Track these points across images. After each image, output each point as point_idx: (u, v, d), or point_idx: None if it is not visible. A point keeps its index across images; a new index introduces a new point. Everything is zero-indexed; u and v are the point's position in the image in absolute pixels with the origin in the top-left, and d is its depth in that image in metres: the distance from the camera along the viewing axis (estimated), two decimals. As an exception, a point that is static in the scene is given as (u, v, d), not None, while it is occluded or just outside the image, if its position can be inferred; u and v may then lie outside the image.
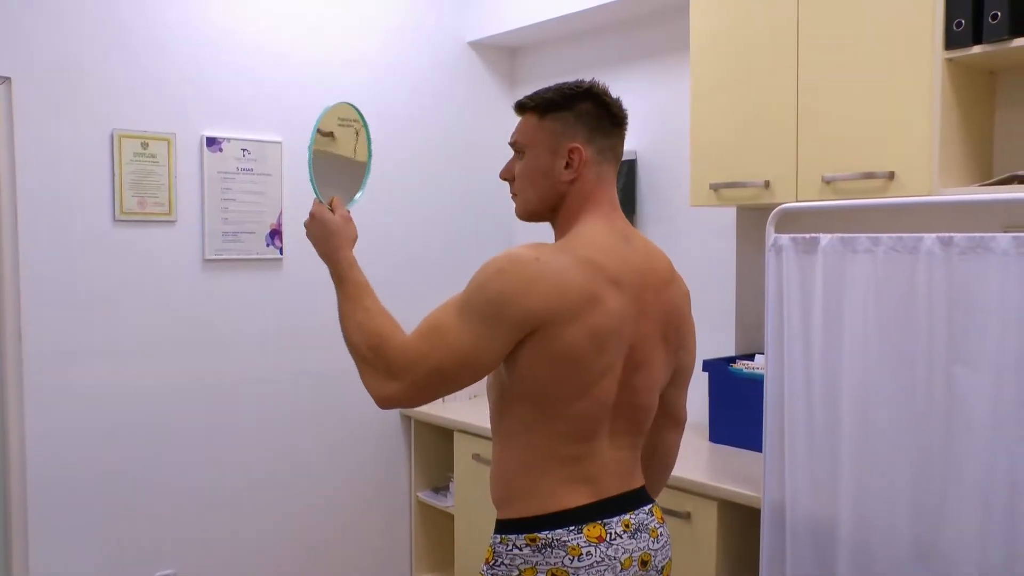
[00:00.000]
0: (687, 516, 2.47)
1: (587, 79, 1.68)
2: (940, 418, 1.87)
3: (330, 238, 1.70)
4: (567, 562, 1.55)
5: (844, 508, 2.03)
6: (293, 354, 3.38)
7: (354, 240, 1.73)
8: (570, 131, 1.64)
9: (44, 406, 2.86)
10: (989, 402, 1.79)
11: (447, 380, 1.52)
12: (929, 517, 1.90)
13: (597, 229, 1.62)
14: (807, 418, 2.10)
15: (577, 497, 1.59)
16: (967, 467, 1.83)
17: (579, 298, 1.51)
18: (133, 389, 3.02)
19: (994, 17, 2.05)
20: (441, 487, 3.72)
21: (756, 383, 2.60)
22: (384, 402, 1.55)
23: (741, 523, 2.46)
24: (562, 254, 1.55)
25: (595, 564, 1.56)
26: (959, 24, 2.12)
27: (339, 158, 1.82)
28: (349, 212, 1.76)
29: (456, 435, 3.38)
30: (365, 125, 1.85)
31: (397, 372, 1.51)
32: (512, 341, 1.52)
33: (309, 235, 1.73)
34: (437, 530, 3.76)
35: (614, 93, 1.69)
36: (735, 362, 2.87)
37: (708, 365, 2.84)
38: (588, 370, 1.55)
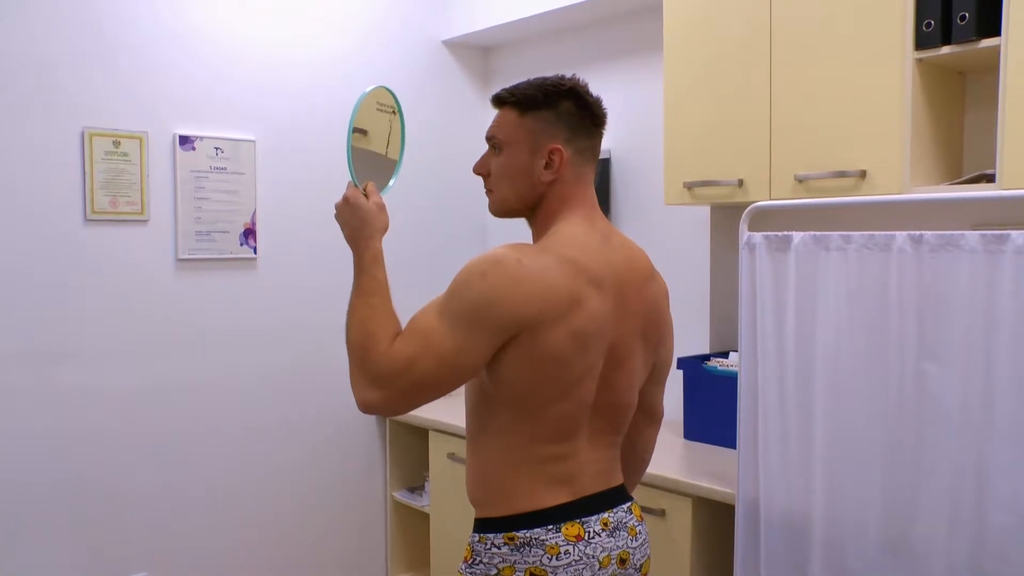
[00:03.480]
0: (662, 513, 2.48)
1: (568, 76, 1.66)
2: (911, 414, 1.89)
3: (362, 226, 1.66)
4: (545, 561, 1.55)
5: (817, 504, 2.05)
6: (267, 355, 3.36)
7: (385, 230, 1.70)
8: (551, 131, 1.62)
9: (12, 409, 2.82)
10: (958, 398, 1.82)
11: (430, 388, 1.50)
12: (900, 512, 1.92)
13: (577, 229, 1.61)
14: (780, 415, 2.11)
15: (555, 496, 1.59)
16: (937, 462, 1.85)
17: (562, 299, 1.51)
18: (105, 391, 2.99)
19: (962, 18, 2.08)
20: (416, 487, 3.71)
21: (730, 380, 2.61)
22: (366, 408, 1.54)
23: (715, 520, 2.47)
24: (544, 255, 1.54)
25: (573, 563, 1.56)
26: (928, 25, 2.14)
27: (373, 143, 1.79)
28: (383, 200, 1.72)
29: (431, 434, 3.37)
30: (400, 111, 1.83)
31: (380, 381, 1.50)
32: (496, 345, 1.51)
33: (339, 218, 1.69)
34: (412, 530, 3.75)
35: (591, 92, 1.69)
36: (709, 360, 2.88)
37: (682, 363, 2.85)
38: (570, 371, 1.55)
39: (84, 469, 2.96)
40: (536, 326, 1.49)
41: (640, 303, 1.66)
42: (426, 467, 3.53)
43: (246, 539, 3.35)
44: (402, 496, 3.67)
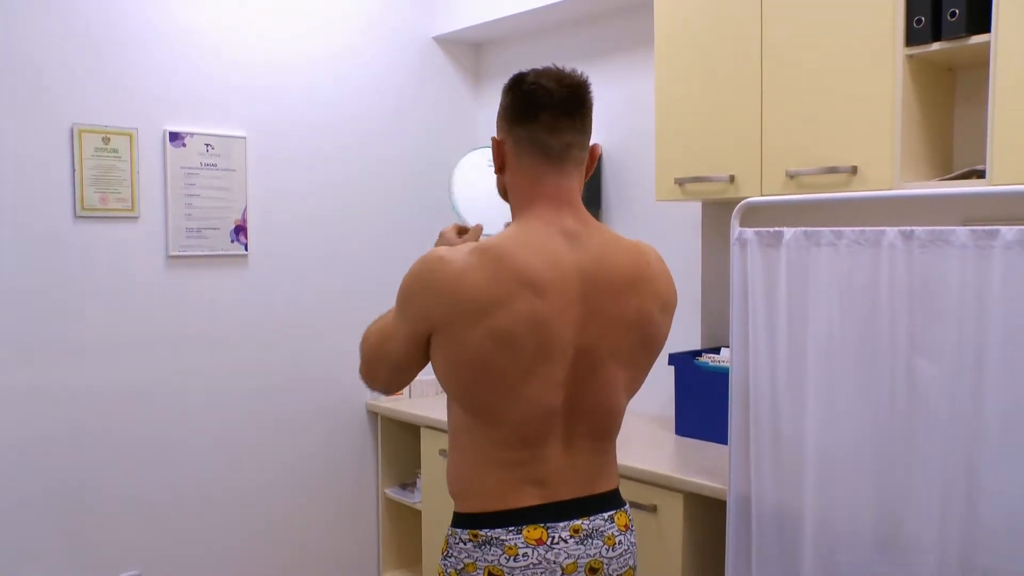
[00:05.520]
0: (653, 509, 2.48)
1: (557, 65, 1.64)
2: (902, 409, 1.89)
3: (439, 245, 1.88)
4: (503, 561, 1.56)
5: (808, 499, 2.05)
6: (259, 352, 3.36)
7: None
8: (500, 123, 1.68)
9: (1, 407, 2.81)
10: (949, 393, 1.82)
11: (377, 359, 1.69)
12: (891, 507, 1.92)
13: (528, 227, 1.59)
14: (772, 411, 2.12)
15: (521, 499, 1.59)
16: (928, 458, 1.86)
17: (479, 299, 1.50)
18: (95, 388, 2.98)
19: (952, 15, 2.08)
20: (408, 483, 3.71)
21: (722, 376, 2.61)
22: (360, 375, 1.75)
23: (707, 515, 2.48)
24: (472, 255, 1.53)
25: (531, 566, 1.56)
26: (919, 21, 2.15)
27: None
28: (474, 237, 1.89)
29: (423, 431, 3.37)
30: None
31: (360, 347, 1.73)
32: (413, 336, 1.58)
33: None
34: (405, 526, 3.75)
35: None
36: (701, 355, 2.89)
37: (674, 358, 2.85)
38: (503, 374, 1.53)
39: (75, 467, 2.95)
40: (451, 325, 1.52)
41: (618, 307, 1.59)
42: (418, 464, 3.53)
43: (239, 535, 3.34)
44: (394, 493, 3.67)
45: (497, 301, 1.50)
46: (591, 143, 1.68)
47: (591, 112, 1.65)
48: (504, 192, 1.71)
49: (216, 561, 3.29)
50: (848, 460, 1.98)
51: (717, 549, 2.45)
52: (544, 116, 1.60)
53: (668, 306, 1.70)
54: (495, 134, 1.69)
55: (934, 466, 1.85)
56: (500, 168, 1.69)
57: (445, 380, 1.59)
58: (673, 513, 2.45)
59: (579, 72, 1.64)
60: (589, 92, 1.64)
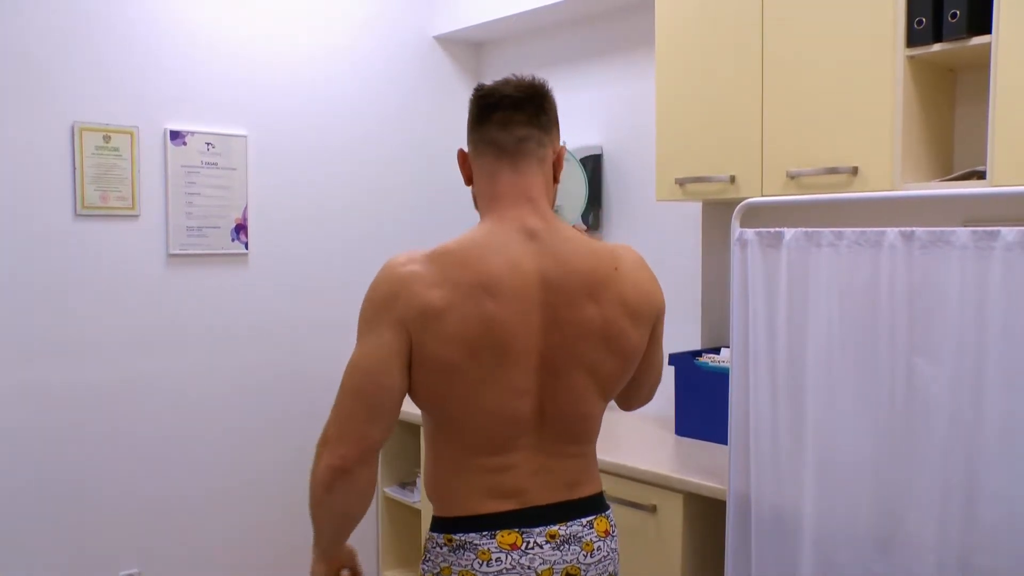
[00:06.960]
0: (653, 509, 2.48)
1: (514, 74, 1.68)
2: (902, 410, 1.89)
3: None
4: (476, 566, 1.55)
5: (808, 499, 2.05)
6: (258, 351, 3.36)
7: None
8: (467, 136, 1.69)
9: (1, 406, 2.82)
10: (949, 394, 1.82)
11: (357, 398, 1.51)
12: (890, 508, 1.92)
13: (484, 229, 1.59)
14: (771, 411, 2.11)
15: (495, 504, 1.58)
16: (928, 458, 1.86)
17: (432, 304, 1.49)
18: (95, 387, 2.98)
19: (953, 16, 2.09)
20: (408, 482, 3.71)
21: (722, 376, 2.61)
22: (331, 472, 1.52)
23: (706, 515, 2.48)
24: (427, 259, 1.53)
25: (505, 571, 1.55)
26: (920, 22, 2.15)
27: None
28: None
29: (423, 430, 3.37)
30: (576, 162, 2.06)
31: (326, 430, 1.55)
32: (395, 341, 1.50)
33: None
34: (404, 525, 3.75)
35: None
36: (701, 355, 2.89)
37: (674, 359, 2.85)
38: (462, 379, 1.52)
39: (75, 464, 2.95)
40: (415, 330, 1.49)
41: (577, 314, 1.56)
42: (417, 463, 3.53)
43: (238, 535, 3.35)
44: (393, 492, 3.67)
45: (449, 305, 1.49)
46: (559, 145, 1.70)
47: (550, 113, 1.66)
48: (475, 202, 1.71)
49: (215, 559, 3.29)
50: (848, 460, 1.98)
51: (716, 549, 2.45)
52: (496, 116, 1.63)
53: (639, 314, 1.63)
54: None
55: (934, 466, 1.85)
56: (468, 179, 1.69)
57: (411, 383, 1.56)
58: (672, 513, 2.45)
59: (539, 79, 1.67)
60: (545, 94, 1.66)
